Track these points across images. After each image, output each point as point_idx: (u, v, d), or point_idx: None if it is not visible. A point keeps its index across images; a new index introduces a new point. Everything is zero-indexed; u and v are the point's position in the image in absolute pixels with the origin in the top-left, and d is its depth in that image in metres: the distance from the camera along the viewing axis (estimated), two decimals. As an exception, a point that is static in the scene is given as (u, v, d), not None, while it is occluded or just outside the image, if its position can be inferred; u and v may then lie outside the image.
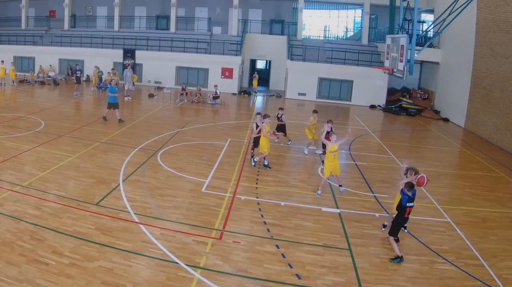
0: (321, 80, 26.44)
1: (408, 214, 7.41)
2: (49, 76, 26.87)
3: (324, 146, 11.88)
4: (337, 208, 9.44)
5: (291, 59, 26.31)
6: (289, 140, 14.63)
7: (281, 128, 14.27)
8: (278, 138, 13.62)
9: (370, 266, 7.07)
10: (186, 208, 8.88)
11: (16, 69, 25.48)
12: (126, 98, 21.68)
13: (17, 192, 8.83)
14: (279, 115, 14.17)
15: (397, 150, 15.33)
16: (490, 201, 10.68)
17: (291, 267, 6.86)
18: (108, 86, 18.20)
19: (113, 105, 16.24)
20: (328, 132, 11.10)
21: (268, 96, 27.57)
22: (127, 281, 6.09)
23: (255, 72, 28.86)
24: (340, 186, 10.42)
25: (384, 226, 8.39)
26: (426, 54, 21.84)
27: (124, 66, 25.01)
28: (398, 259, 7.23)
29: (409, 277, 6.79)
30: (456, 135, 19.29)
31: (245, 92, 27.49)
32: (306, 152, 13.75)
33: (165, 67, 27.32)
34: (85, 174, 10.33)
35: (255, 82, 27.26)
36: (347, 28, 34.19)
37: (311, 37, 32.49)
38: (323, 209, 9.31)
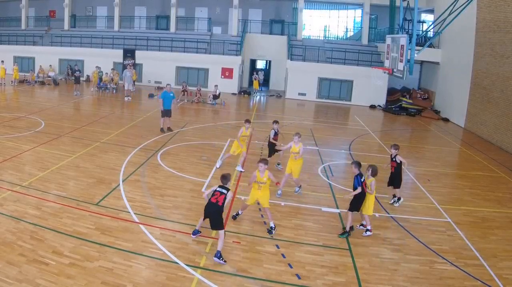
0: (321, 80, 26.44)
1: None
2: (49, 76, 26.87)
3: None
4: (337, 208, 9.44)
5: (291, 59, 26.32)
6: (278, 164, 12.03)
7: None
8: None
9: (370, 266, 7.07)
10: (186, 208, 8.88)
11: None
12: (126, 98, 21.71)
13: (17, 192, 8.83)
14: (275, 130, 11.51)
15: (397, 150, 15.31)
16: (490, 201, 10.68)
17: (291, 267, 6.86)
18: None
19: (167, 112, 15.09)
20: None
21: (268, 96, 27.58)
22: (127, 281, 6.09)
23: (256, 72, 28.59)
24: (281, 189, 9.85)
25: (363, 225, 8.41)
26: (426, 54, 21.83)
27: (124, 67, 25.00)
28: (347, 233, 7.95)
29: (409, 277, 6.79)
30: (456, 135, 19.29)
31: (245, 92, 27.49)
32: (218, 165, 11.47)
33: (165, 67, 27.32)
34: (85, 174, 10.33)
35: (256, 83, 27.19)
36: (347, 28, 34.21)
37: (311, 37, 32.50)
38: (323, 209, 9.31)
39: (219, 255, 6.77)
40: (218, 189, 7.15)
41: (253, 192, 8.04)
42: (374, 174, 8.03)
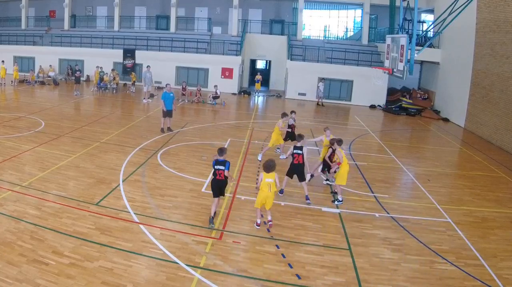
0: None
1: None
2: (49, 76, 26.86)
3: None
4: (337, 208, 9.44)
5: (291, 59, 26.31)
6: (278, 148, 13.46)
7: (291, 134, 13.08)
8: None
9: (370, 266, 7.06)
10: (186, 208, 8.88)
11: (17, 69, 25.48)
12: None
13: (17, 192, 8.83)
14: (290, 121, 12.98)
15: (397, 150, 15.33)
16: (490, 201, 10.68)
17: (291, 267, 6.86)
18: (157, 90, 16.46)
19: (169, 113, 15.05)
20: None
21: (268, 96, 27.57)
22: (127, 281, 6.09)
23: (258, 74, 28.37)
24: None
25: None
26: (426, 54, 21.83)
27: (124, 67, 24.94)
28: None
29: (409, 277, 6.79)
30: (456, 135, 19.29)
31: (245, 92, 27.48)
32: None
33: (165, 67, 27.27)
34: (85, 174, 10.33)
35: (258, 85, 27.18)
36: (347, 28, 34.20)
37: (311, 37, 32.49)
38: (323, 209, 9.31)
39: (307, 198, 9.37)
40: (294, 151, 9.34)
41: None
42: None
